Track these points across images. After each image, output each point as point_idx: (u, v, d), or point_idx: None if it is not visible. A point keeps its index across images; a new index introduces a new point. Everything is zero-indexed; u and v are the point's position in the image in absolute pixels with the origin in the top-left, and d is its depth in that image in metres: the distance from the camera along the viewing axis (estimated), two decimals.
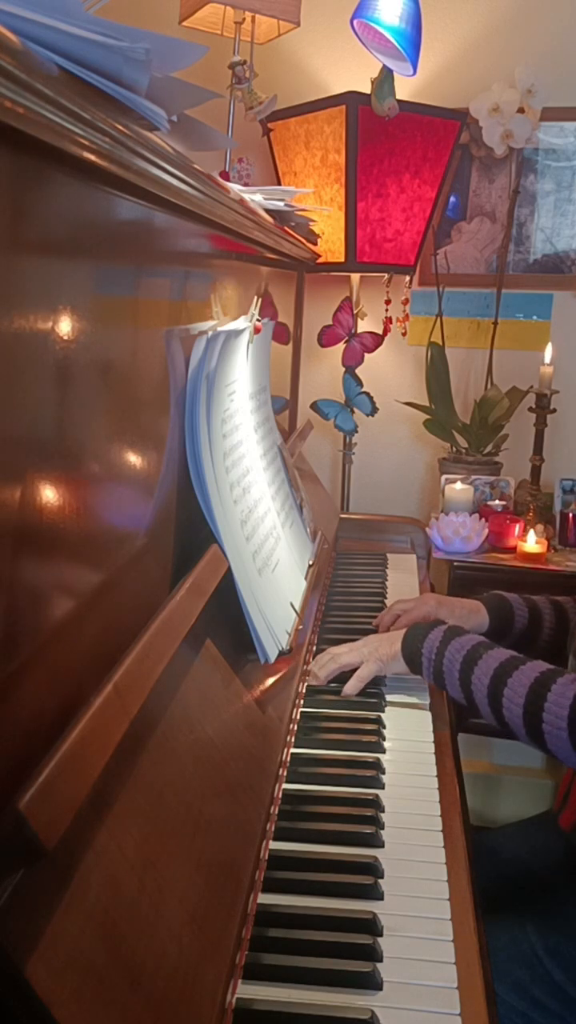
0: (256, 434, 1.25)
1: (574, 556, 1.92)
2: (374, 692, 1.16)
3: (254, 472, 1.17)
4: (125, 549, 0.74)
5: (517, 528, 1.93)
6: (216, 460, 0.97)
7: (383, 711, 1.13)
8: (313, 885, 0.78)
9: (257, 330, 1.28)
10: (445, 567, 1.94)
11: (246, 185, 1.57)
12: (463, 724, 1.22)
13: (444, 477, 2.08)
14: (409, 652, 1.13)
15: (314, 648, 1.27)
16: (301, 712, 1.10)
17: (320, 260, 2.00)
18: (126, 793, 0.60)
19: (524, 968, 1.03)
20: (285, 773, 0.96)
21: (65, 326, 0.58)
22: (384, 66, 1.73)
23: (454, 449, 2.16)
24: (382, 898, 0.78)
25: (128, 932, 0.53)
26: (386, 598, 1.57)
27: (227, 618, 0.95)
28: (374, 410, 2.15)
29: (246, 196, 1.08)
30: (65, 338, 0.58)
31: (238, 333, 1.11)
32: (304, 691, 1.15)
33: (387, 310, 2.07)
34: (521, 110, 1.99)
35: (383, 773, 0.99)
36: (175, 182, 0.69)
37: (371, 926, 0.74)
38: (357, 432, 2.20)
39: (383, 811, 0.91)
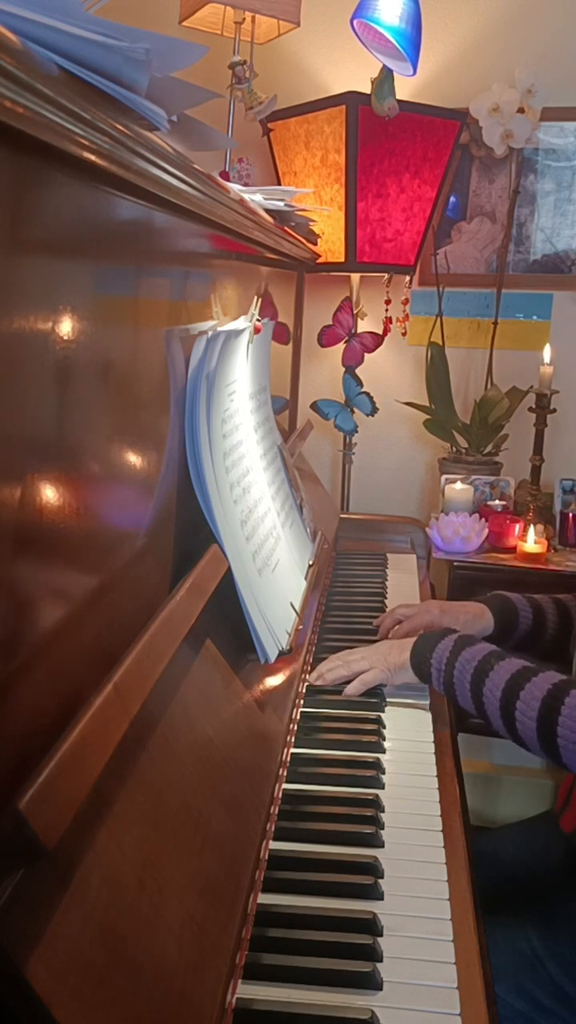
0: (256, 434, 1.25)
1: (574, 556, 1.92)
2: (374, 692, 1.16)
3: (254, 472, 1.17)
4: (125, 549, 0.74)
5: (517, 528, 1.93)
6: (216, 460, 0.97)
7: (383, 711, 1.12)
8: (313, 885, 0.78)
9: (257, 330, 1.28)
10: (445, 567, 1.94)
11: (246, 185, 1.57)
12: (463, 724, 1.22)
13: (444, 477, 2.08)
14: (418, 662, 1.12)
15: (314, 648, 1.27)
16: (301, 712, 1.10)
17: (320, 260, 2.00)
18: (126, 793, 0.60)
19: (524, 968, 1.03)
20: (285, 773, 0.96)
21: (65, 326, 0.58)
22: (384, 66, 1.73)
23: (454, 449, 2.16)
24: (382, 898, 0.78)
25: (128, 932, 0.53)
26: (386, 598, 1.57)
27: (227, 618, 0.95)
28: (374, 410, 2.15)
29: (246, 196, 1.08)
30: (65, 338, 0.58)
31: (238, 333, 1.11)
32: (304, 691, 1.15)
33: (387, 310, 2.07)
34: (521, 110, 1.99)
35: (383, 773, 0.99)
36: (175, 182, 0.69)
37: (371, 926, 0.74)
38: (357, 432, 2.20)
39: (383, 811, 0.91)
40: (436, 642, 1.10)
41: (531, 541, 1.89)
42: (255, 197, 1.21)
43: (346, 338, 2.13)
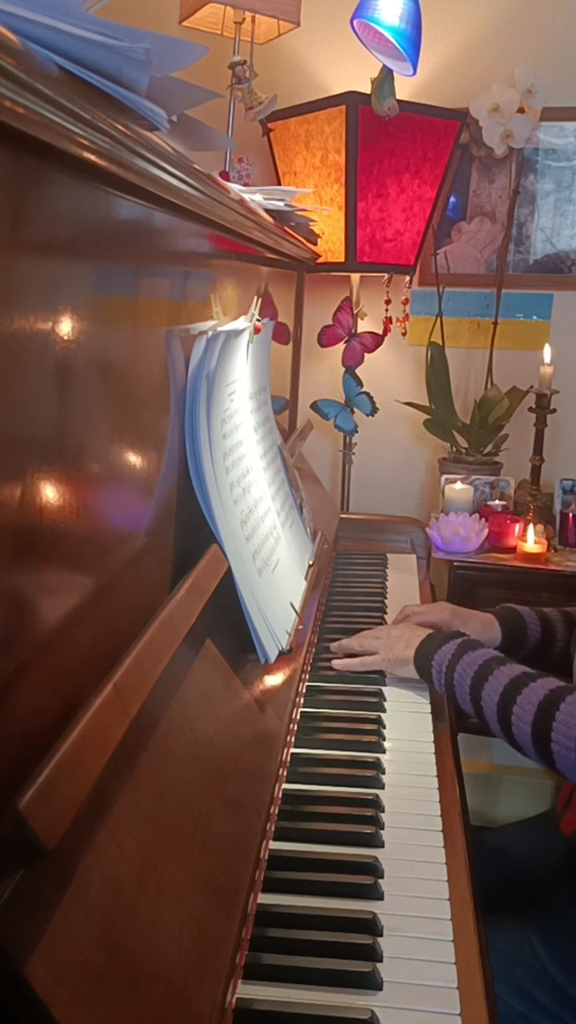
0: (256, 434, 1.25)
1: (574, 556, 1.92)
2: (374, 692, 1.16)
3: (254, 472, 1.17)
4: (125, 549, 0.74)
5: (517, 528, 1.93)
6: (216, 460, 0.97)
7: (383, 711, 1.12)
8: (313, 885, 0.78)
9: (257, 330, 1.27)
10: (445, 567, 1.94)
11: (246, 185, 1.57)
12: (463, 724, 1.22)
13: (444, 477, 2.08)
14: (421, 660, 1.13)
15: (314, 648, 1.27)
16: (301, 712, 1.10)
17: (320, 260, 2.00)
18: (126, 793, 0.60)
19: (524, 969, 1.03)
20: (285, 773, 0.96)
21: (65, 326, 0.58)
22: (384, 66, 1.73)
23: (454, 449, 2.16)
24: (382, 898, 0.78)
25: (128, 932, 0.53)
26: (386, 598, 1.57)
27: (227, 618, 0.95)
28: (374, 410, 2.15)
29: (246, 196, 1.08)
30: (65, 338, 0.58)
31: (238, 333, 1.11)
32: (304, 691, 1.15)
33: (387, 310, 2.07)
34: (521, 110, 1.99)
35: (383, 773, 0.99)
36: (175, 182, 0.69)
37: (371, 926, 0.74)
38: (357, 432, 2.20)
39: (383, 811, 0.91)
40: (441, 643, 1.11)
41: (531, 541, 1.89)
42: (255, 197, 1.21)
43: (346, 338, 2.13)
